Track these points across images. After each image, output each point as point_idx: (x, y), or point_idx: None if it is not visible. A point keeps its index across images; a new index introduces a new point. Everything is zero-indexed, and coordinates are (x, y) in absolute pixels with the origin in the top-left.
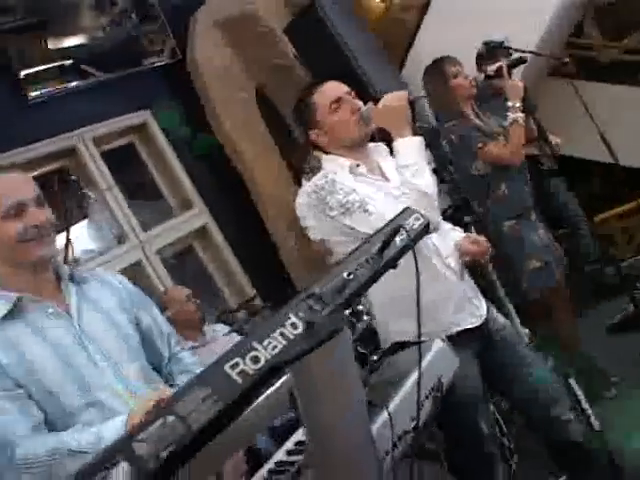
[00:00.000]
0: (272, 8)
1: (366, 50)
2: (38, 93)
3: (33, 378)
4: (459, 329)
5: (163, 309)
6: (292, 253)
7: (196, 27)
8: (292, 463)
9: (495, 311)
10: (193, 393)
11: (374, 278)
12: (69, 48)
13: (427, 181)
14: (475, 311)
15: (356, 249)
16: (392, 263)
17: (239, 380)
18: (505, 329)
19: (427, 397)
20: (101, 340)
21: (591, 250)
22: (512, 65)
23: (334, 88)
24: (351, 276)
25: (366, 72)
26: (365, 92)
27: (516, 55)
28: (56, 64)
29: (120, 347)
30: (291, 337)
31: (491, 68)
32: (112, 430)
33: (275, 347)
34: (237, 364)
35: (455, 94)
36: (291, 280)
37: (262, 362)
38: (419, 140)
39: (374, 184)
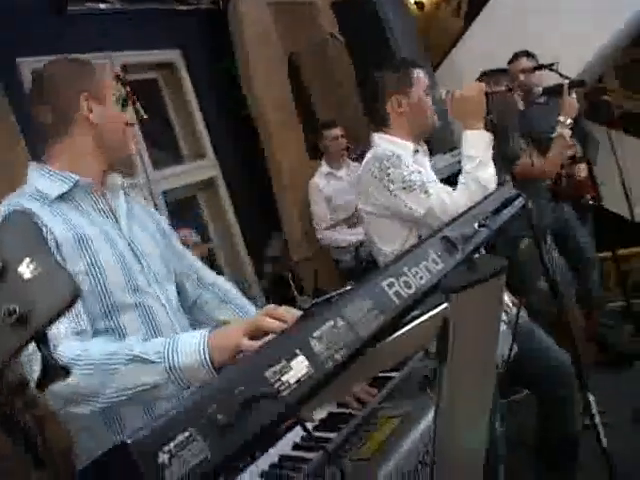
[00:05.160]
0: None
1: (407, 36)
2: (77, 8)
3: (89, 260)
4: None
5: None
6: (295, 228)
7: None
8: (303, 459)
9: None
10: (358, 302)
11: (490, 237)
12: None
13: (489, 176)
14: None
15: (473, 207)
16: (502, 228)
17: (396, 300)
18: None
19: None
20: (146, 254)
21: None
22: (573, 85)
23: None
24: (481, 229)
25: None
26: None
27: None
28: None
29: (161, 267)
30: (434, 271)
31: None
32: (185, 346)
33: (422, 277)
34: (392, 284)
35: None
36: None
37: (413, 288)
38: (489, 135)
39: (425, 174)
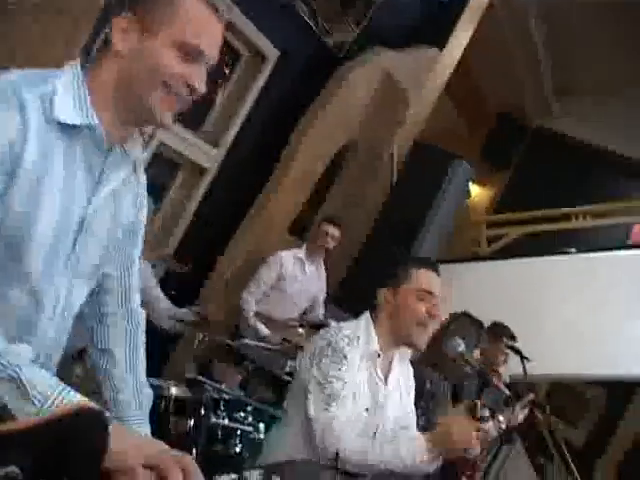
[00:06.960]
0: None
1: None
2: None
3: (28, 191)
4: None
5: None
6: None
7: None
8: None
9: None
10: None
11: None
12: None
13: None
14: None
15: None
16: None
17: None
18: None
19: None
20: (88, 242)
21: None
22: (534, 405)
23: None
24: None
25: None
26: None
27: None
28: None
29: (90, 265)
30: None
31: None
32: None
33: None
34: None
35: None
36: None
37: None
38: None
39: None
